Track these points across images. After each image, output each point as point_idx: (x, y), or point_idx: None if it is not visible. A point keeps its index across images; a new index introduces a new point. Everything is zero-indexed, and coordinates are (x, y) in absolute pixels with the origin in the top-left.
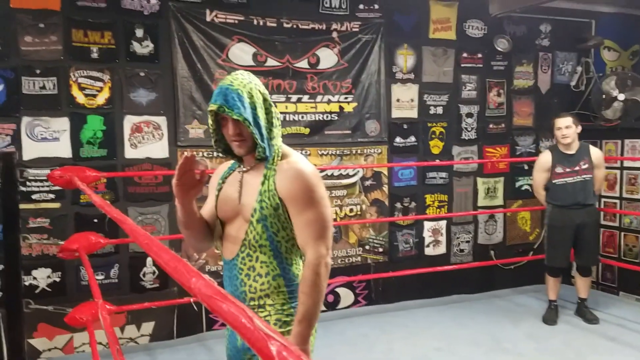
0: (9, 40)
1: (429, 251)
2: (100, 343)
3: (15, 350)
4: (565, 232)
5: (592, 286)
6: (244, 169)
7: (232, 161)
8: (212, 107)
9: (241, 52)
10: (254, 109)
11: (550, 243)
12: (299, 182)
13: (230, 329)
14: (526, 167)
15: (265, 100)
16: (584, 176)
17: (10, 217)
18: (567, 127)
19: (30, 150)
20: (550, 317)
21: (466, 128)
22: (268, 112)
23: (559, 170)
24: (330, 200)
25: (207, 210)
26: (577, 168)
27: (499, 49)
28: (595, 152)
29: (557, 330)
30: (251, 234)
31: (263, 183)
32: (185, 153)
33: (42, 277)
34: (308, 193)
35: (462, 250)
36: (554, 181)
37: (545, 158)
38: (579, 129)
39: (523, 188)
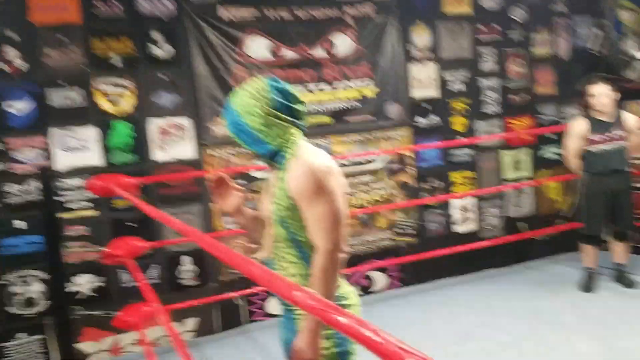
0: (33, 55)
1: (459, 229)
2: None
3: (66, 355)
4: (601, 199)
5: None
6: (272, 170)
7: None
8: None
9: (257, 45)
10: (240, 117)
11: (588, 211)
12: (306, 176)
13: (283, 320)
14: (552, 136)
15: (254, 105)
16: (619, 142)
17: (52, 228)
18: (602, 94)
19: (63, 161)
20: (589, 285)
21: (488, 102)
22: (257, 115)
23: (594, 137)
24: (356, 187)
25: None
26: (612, 134)
27: (516, 18)
28: (629, 118)
29: (596, 298)
30: (277, 235)
31: (276, 185)
32: (215, 155)
33: (85, 282)
34: (314, 187)
35: (492, 225)
36: (589, 148)
37: (580, 125)
38: (616, 94)
39: (550, 157)
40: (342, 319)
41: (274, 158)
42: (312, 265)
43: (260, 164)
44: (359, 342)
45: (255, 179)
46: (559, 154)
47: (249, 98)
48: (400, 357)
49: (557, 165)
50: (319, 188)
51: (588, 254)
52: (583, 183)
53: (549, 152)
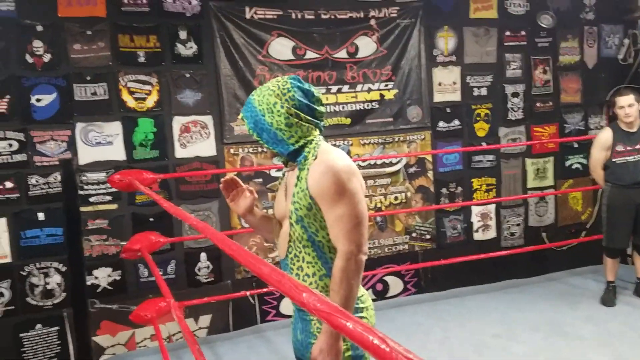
0: (59, 49)
1: (478, 236)
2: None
3: (82, 348)
4: (625, 212)
5: None
6: (288, 169)
7: None
8: (239, 115)
9: (281, 46)
10: (262, 115)
11: (610, 223)
12: (327, 177)
13: (295, 320)
14: (576, 145)
15: (276, 103)
16: None
17: (73, 221)
18: (629, 106)
19: (86, 154)
20: (609, 298)
21: (512, 108)
22: (280, 114)
23: (619, 148)
24: (374, 189)
25: None
26: (638, 146)
27: (543, 25)
28: None
29: (616, 312)
30: (294, 234)
31: (296, 184)
32: (235, 153)
33: (103, 276)
34: (336, 188)
35: (512, 234)
36: (614, 160)
37: (605, 136)
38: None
39: (574, 167)
40: (349, 325)
41: (294, 158)
42: (333, 267)
43: (278, 163)
44: (366, 350)
45: (273, 178)
46: (583, 164)
47: (271, 97)
48: None
49: (581, 175)
50: (341, 189)
51: (609, 267)
52: (606, 194)
53: (573, 161)
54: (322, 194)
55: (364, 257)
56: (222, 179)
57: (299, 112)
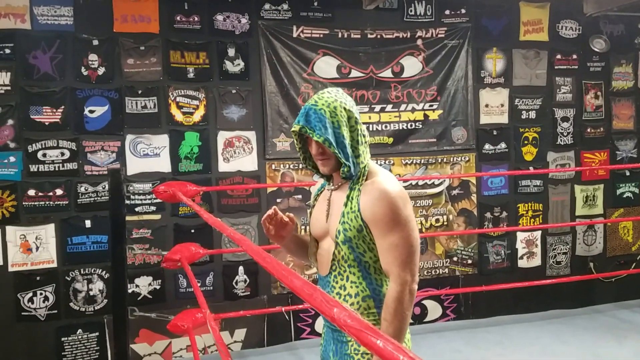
0: (113, 62)
1: (522, 263)
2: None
3: (120, 355)
4: None
5: None
6: (333, 188)
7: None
8: (295, 128)
9: (326, 65)
10: (337, 127)
11: None
12: (383, 204)
13: (326, 342)
14: (628, 174)
15: (350, 118)
16: None
17: (118, 230)
18: None
19: (134, 165)
20: None
21: (562, 133)
22: (353, 129)
23: None
24: (415, 210)
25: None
26: None
27: (596, 49)
28: None
29: None
30: (339, 254)
31: (346, 204)
32: (273, 166)
33: (143, 284)
34: (392, 216)
35: (558, 263)
36: None
37: None
38: None
39: (625, 196)
40: (379, 343)
41: (349, 177)
42: (386, 297)
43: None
44: None
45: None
46: (634, 193)
47: (343, 110)
48: None
49: (632, 204)
50: (397, 217)
51: None
52: None
53: (624, 190)
54: (376, 220)
55: (416, 286)
56: (266, 214)
57: (364, 130)
